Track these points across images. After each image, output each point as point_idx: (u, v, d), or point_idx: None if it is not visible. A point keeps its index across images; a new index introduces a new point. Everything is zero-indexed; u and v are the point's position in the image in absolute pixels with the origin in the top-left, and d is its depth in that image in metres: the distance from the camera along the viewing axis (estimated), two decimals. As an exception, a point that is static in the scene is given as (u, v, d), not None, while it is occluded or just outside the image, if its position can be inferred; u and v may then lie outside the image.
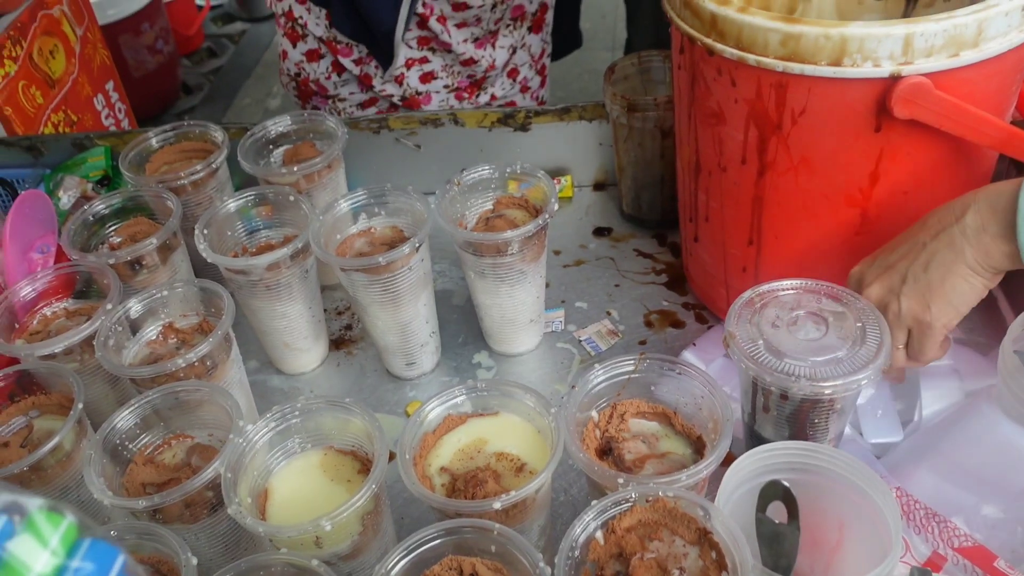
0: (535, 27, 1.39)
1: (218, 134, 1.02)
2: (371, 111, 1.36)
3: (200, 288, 0.83)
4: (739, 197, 0.81)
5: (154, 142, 1.03)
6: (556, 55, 2.40)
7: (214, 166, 0.99)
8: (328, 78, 1.34)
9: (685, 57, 0.80)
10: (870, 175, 0.74)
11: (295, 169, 0.95)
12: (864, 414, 0.76)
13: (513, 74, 1.40)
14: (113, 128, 1.59)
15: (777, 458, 0.62)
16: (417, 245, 0.83)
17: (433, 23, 1.26)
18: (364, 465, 0.68)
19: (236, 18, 3.42)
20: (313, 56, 1.32)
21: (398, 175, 1.17)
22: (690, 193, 0.89)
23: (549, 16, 1.42)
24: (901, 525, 0.58)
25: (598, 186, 1.17)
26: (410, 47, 1.29)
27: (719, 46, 0.73)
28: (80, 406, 0.71)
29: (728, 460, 0.62)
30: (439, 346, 0.95)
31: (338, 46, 1.30)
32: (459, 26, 1.28)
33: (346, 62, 1.30)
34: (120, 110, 1.62)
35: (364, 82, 1.32)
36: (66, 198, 1.11)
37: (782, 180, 0.77)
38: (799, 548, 0.59)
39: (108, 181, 1.15)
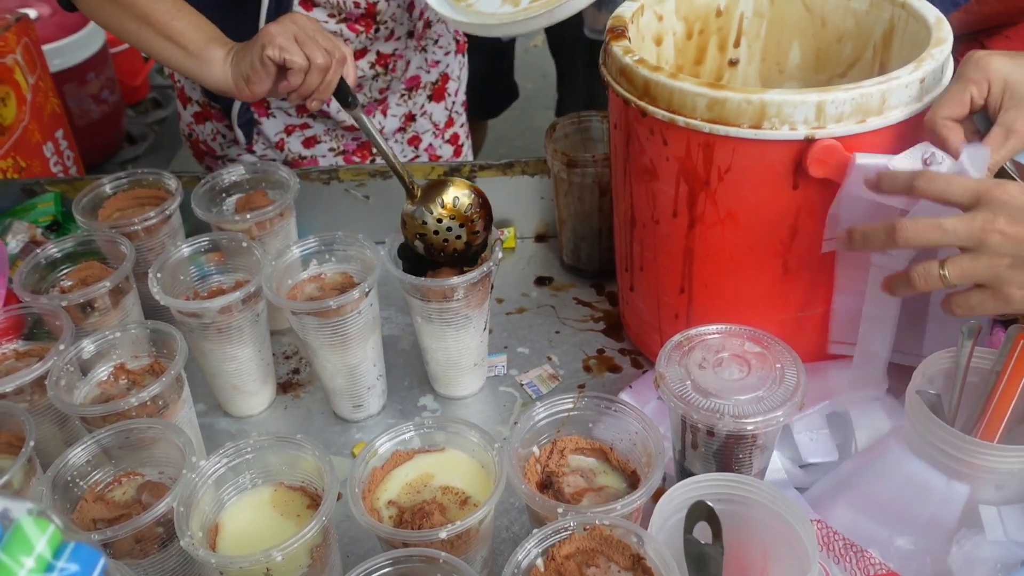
0: (435, 96, 1.42)
1: (172, 182, 1.05)
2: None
3: (152, 330, 0.85)
4: (671, 248, 0.87)
5: (108, 188, 1.06)
6: (495, 110, 2.48)
7: (167, 212, 1.01)
8: (214, 139, 1.37)
9: (620, 118, 0.86)
10: (790, 228, 0.80)
11: (248, 217, 0.98)
12: (801, 442, 0.81)
13: (414, 141, 1.42)
14: (61, 175, 1.60)
15: (706, 488, 0.66)
16: (367, 290, 0.87)
17: None
18: (313, 501, 0.71)
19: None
20: (199, 118, 1.36)
21: (347, 224, 1.20)
22: (626, 244, 0.95)
23: (454, 86, 1.45)
24: (819, 552, 0.63)
25: (539, 237, 1.22)
26: (288, 114, 1.33)
27: (652, 108, 0.79)
28: (31, 444, 0.72)
29: (659, 496, 0.66)
30: (385, 389, 0.98)
31: (212, 110, 1.33)
32: None
33: (220, 127, 1.34)
34: (68, 157, 1.63)
35: (246, 146, 1.36)
36: (15, 242, 1.11)
37: (711, 232, 0.83)
38: (726, 572, 0.63)
39: (57, 226, 1.17)
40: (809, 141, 0.74)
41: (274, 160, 1.35)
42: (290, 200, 1.02)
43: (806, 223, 0.79)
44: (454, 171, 1.17)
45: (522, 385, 0.99)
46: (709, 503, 0.63)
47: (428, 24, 1.36)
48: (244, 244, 0.94)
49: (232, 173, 1.06)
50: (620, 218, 0.95)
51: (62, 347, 0.82)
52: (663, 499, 0.65)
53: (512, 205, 1.21)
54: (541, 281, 1.15)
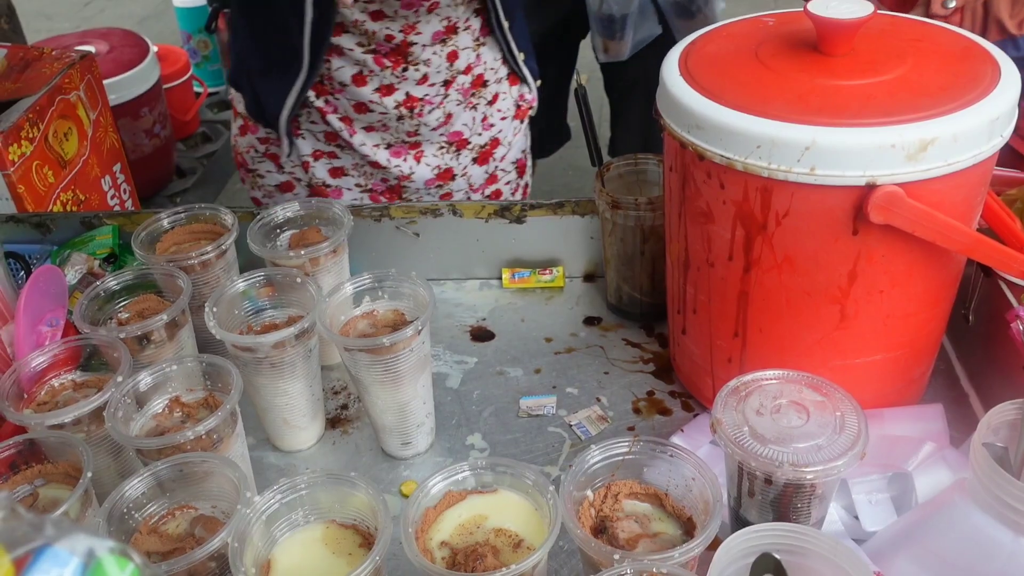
0: (480, 159, 1.43)
1: (228, 217, 1.07)
2: (288, 195, 1.42)
3: (208, 364, 0.86)
4: (725, 292, 0.86)
5: (165, 223, 1.08)
6: (549, 150, 2.49)
7: (223, 247, 1.03)
8: (248, 152, 1.41)
9: (676, 160, 0.86)
10: (848, 274, 0.79)
11: (302, 253, 0.99)
12: (860, 504, 0.79)
13: (445, 196, 1.43)
14: (117, 208, 1.64)
15: (765, 538, 0.65)
16: (420, 328, 0.87)
17: (333, 119, 1.32)
18: (365, 539, 0.71)
19: (230, 106, 3.52)
20: (243, 131, 1.40)
21: (397, 261, 1.21)
22: (679, 287, 0.94)
23: (502, 151, 1.46)
24: (882, 607, 0.61)
25: (588, 277, 1.22)
26: (317, 139, 1.35)
27: (709, 151, 0.79)
28: (89, 475, 0.73)
29: (714, 545, 0.65)
30: (434, 427, 0.98)
31: (250, 123, 1.37)
32: (367, 129, 1.34)
33: (255, 140, 1.37)
34: (125, 191, 1.67)
35: (274, 161, 1.39)
36: (72, 274, 1.14)
37: (766, 277, 0.82)
38: (786, 627, 0.61)
39: (114, 259, 1.19)
40: (870, 187, 0.73)
41: (299, 180, 1.38)
42: (343, 237, 1.03)
43: (866, 269, 0.78)
44: (505, 210, 1.18)
45: (571, 426, 0.98)
46: (776, 555, 0.62)
47: (483, 83, 1.37)
48: (298, 280, 0.95)
49: (287, 209, 1.08)
50: (673, 260, 0.94)
51: (120, 379, 0.83)
52: (722, 548, 0.64)
53: (561, 244, 1.21)
54: (590, 321, 1.15)
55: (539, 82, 1.48)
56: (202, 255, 1.01)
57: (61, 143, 1.43)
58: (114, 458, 0.86)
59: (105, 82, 1.67)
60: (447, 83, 1.32)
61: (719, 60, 0.86)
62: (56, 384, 0.89)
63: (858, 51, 0.83)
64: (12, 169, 1.29)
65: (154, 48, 2.48)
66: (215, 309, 0.91)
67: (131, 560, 0.31)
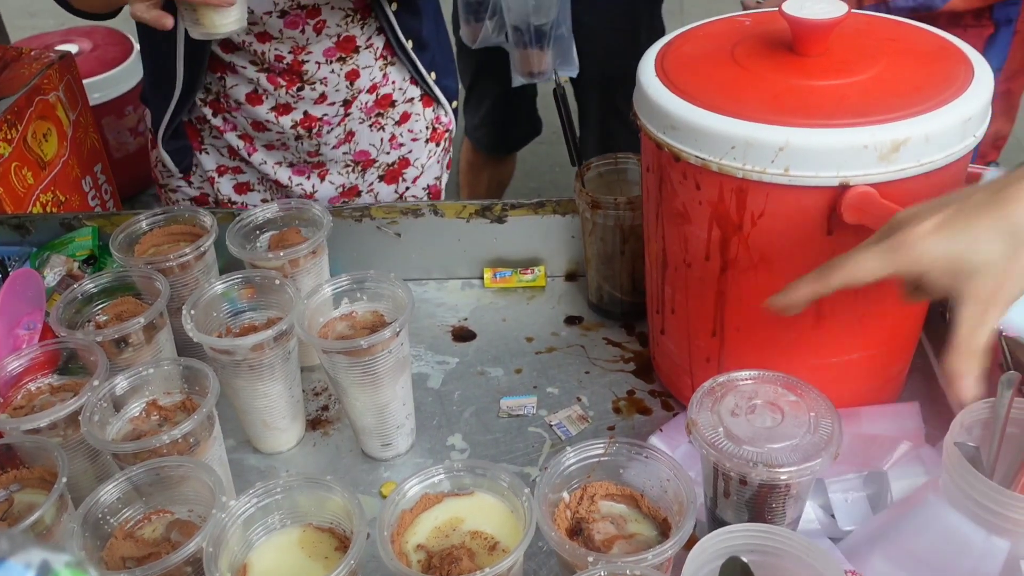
0: (388, 177, 1.41)
1: (207, 218, 1.06)
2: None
3: (185, 366, 0.86)
4: (703, 292, 0.86)
5: (144, 224, 1.07)
6: (516, 144, 2.49)
7: (202, 249, 1.02)
8: (155, 166, 1.40)
9: (653, 160, 0.86)
10: (823, 274, 0.79)
11: (281, 254, 0.99)
12: (836, 503, 0.79)
13: None
14: (98, 208, 1.63)
15: (738, 539, 0.65)
16: (398, 330, 0.87)
17: (232, 137, 1.32)
18: (342, 543, 0.71)
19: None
20: (152, 145, 1.39)
21: (379, 261, 1.21)
22: (657, 287, 0.94)
23: (413, 173, 1.44)
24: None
25: (570, 276, 1.22)
26: (221, 154, 1.35)
27: (685, 152, 0.79)
28: (64, 480, 0.73)
29: (691, 544, 0.65)
30: (414, 428, 0.98)
31: (151, 136, 1.37)
32: (267, 147, 1.34)
33: (162, 155, 1.36)
34: (106, 191, 1.66)
35: (183, 176, 1.38)
36: (52, 276, 1.13)
37: (743, 277, 0.82)
38: (759, 627, 0.62)
39: (94, 260, 1.18)
40: (843, 188, 0.73)
41: (208, 195, 1.37)
42: (323, 238, 1.03)
43: (841, 269, 0.79)
44: (486, 209, 1.18)
45: (551, 426, 0.98)
46: (744, 559, 0.62)
47: (390, 103, 1.35)
48: (277, 282, 0.94)
49: (266, 211, 1.07)
50: (652, 260, 0.95)
51: (96, 383, 0.83)
52: (695, 549, 0.64)
53: (543, 244, 1.21)
54: (571, 320, 1.15)
55: (455, 104, 1.46)
56: (180, 257, 1.01)
57: (40, 144, 1.43)
58: (91, 462, 0.86)
59: (88, 81, 1.67)
60: (347, 103, 1.31)
61: (695, 61, 0.86)
62: (33, 388, 0.89)
63: (833, 51, 0.83)
64: (-10, 171, 1.28)
65: (138, 46, 2.46)
66: (192, 312, 0.91)
67: (88, 573, 0.31)
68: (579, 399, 1.02)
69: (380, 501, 0.92)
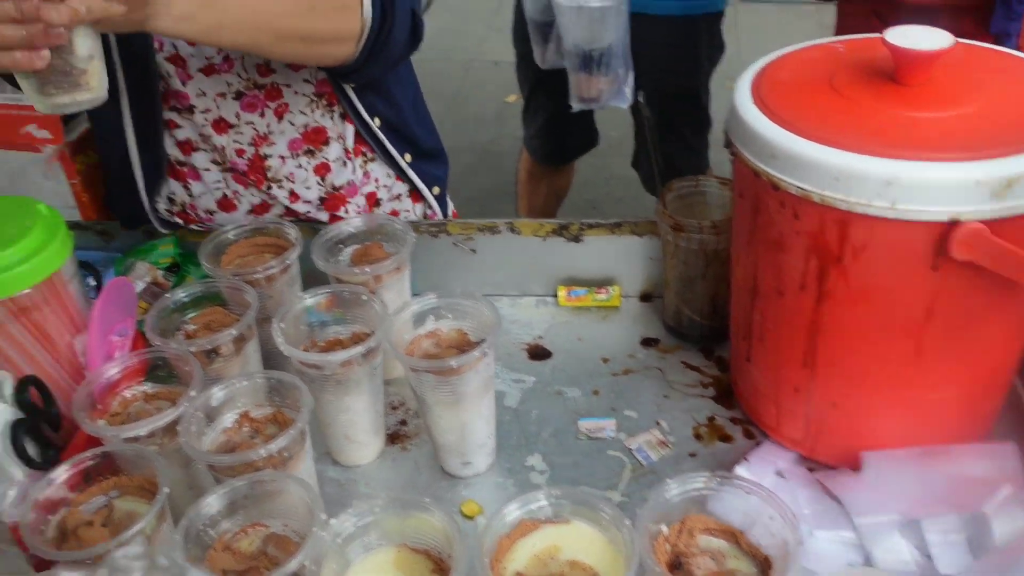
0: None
1: (291, 231, 1.08)
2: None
3: (277, 380, 0.87)
4: (795, 321, 0.86)
5: (231, 235, 1.09)
6: (572, 155, 2.48)
7: (288, 262, 1.04)
8: None
9: (748, 187, 0.86)
10: (926, 309, 0.78)
11: (367, 269, 1.00)
12: (934, 544, 0.78)
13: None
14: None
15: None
16: (487, 350, 0.87)
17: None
18: (437, 565, 0.71)
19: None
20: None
21: (454, 276, 1.22)
22: (745, 313, 0.94)
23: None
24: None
25: (644, 297, 1.22)
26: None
27: (784, 182, 0.78)
28: (166, 491, 0.74)
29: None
30: (495, 447, 0.98)
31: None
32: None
33: None
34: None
35: None
36: (137, 283, 1.16)
37: (840, 309, 0.81)
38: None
39: (176, 268, 1.20)
40: (953, 224, 0.72)
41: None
42: (407, 254, 1.04)
43: (944, 304, 0.77)
44: (563, 228, 1.18)
45: (631, 450, 0.98)
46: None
47: (376, 202, 1.30)
48: (364, 297, 0.95)
49: (350, 224, 1.08)
50: (739, 286, 0.94)
51: (192, 393, 0.84)
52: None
53: (618, 263, 1.21)
54: (647, 342, 1.14)
55: (437, 191, 1.38)
56: (267, 269, 1.02)
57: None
58: (183, 471, 0.87)
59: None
60: (324, 200, 1.25)
61: (793, 88, 0.86)
62: (128, 395, 0.91)
63: (936, 81, 0.82)
64: (78, 178, 1.31)
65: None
66: (282, 325, 0.92)
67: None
68: (658, 423, 1.01)
69: (461, 520, 0.92)
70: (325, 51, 1.06)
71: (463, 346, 0.93)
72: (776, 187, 0.80)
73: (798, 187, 0.78)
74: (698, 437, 0.99)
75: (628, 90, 1.94)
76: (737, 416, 1.01)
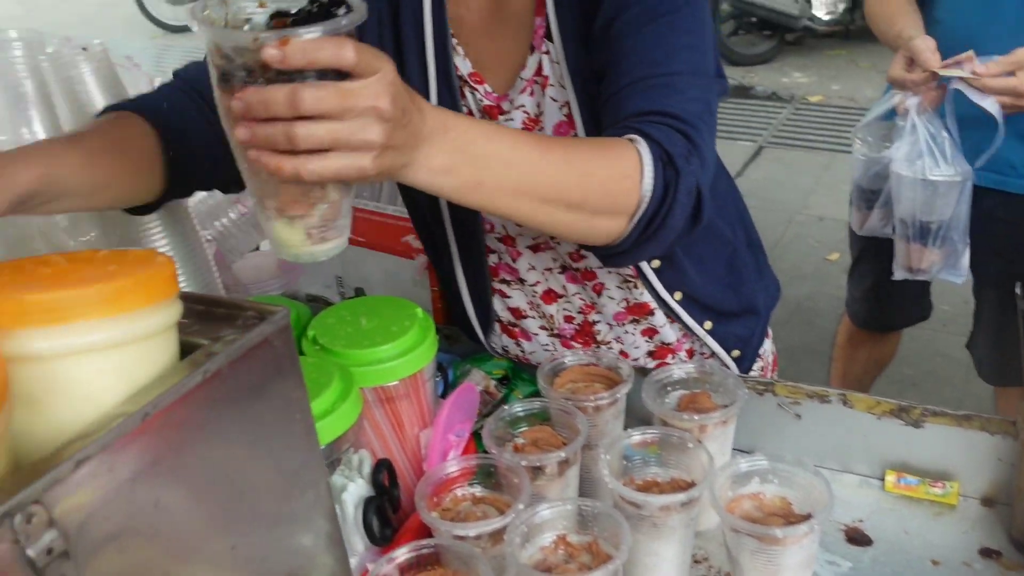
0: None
1: (624, 367, 1.12)
2: None
3: (600, 511, 0.89)
4: None
5: (567, 360, 1.15)
6: (899, 323, 2.32)
7: (617, 396, 1.08)
8: None
9: None
10: None
11: (696, 417, 1.01)
12: None
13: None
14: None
15: None
16: (815, 527, 0.84)
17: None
18: None
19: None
20: None
21: (773, 436, 1.19)
22: (1126, 549, 0.82)
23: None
24: None
25: (987, 501, 1.10)
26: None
27: None
28: (488, 599, 0.79)
29: None
30: (800, 629, 0.92)
31: None
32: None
33: None
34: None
35: None
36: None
37: None
38: None
39: (507, 381, 1.29)
40: None
41: None
42: (735, 410, 1.03)
43: None
44: (902, 411, 1.12)
45: (962, 674, 0.88)
46: None
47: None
48: (690, 445, 0.96)
49: (681, 369, 1.11)
50: (1121, 517, 0.82)
51: (521, 506, 0.89)
52: None
53: (960, 459, 1.11)
54: (987, 553, 1.03)
55: (737, 353, 1.36)
56: (598, 399, 1.07)
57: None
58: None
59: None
60: (652, 353, 1.32)
61: None
62: (459, 494, 0.98)
63: None
64: (438, 286, 1.46)
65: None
66: (607, 457, 0.95)
67: None
68: (999, 650, 0.90)
69: None
70: (592, 224, 0.95)
71: (787, 516, 0.90)
72: None
73: None
74: None
75: (964, 266, 1.83)
76: (1098, 665, 0.87)
